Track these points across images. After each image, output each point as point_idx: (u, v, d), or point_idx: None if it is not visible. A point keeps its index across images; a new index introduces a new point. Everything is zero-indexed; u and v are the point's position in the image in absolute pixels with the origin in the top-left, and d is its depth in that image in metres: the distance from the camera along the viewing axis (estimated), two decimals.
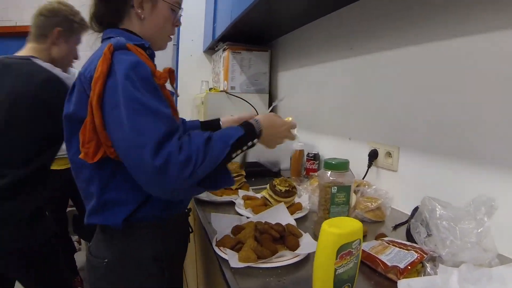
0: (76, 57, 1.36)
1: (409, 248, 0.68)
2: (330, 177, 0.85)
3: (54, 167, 1.36)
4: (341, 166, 0.86)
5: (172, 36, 0.95)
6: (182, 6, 0.93)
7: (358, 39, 1.33)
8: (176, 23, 0.93)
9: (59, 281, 1.28)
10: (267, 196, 1.07)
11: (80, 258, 2.15)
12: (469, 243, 0.57)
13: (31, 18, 1.26)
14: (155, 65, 0.80)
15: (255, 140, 0.79)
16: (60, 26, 1.25)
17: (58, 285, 1.27)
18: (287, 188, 1.05)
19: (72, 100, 0.77)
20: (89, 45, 0.91)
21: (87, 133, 0.71)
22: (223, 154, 0.71)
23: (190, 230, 1.00)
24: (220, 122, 1.19)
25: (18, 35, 3.14)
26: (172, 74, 0.84)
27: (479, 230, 0.58)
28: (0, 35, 3.02)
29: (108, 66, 0.69)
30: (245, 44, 2.12)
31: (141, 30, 0.85)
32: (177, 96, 0.88)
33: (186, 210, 0.97)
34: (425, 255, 0.63)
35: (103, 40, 0.84)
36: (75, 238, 2.37)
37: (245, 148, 0.77)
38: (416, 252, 0.65)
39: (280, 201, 1.03)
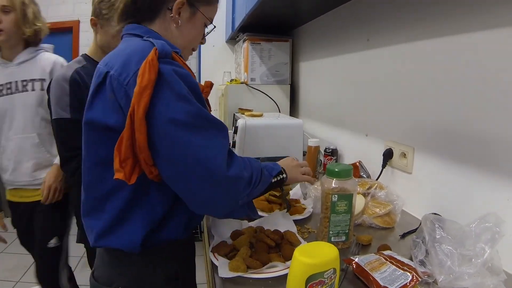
0: None
1: (405, 268, 0.64)
2: (333, 184, 0.82)
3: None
4: (344, 173, 0.82)
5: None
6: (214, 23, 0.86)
7: (375, 29, 1.24)
8: (202, 40, 0.87)
9: None
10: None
11: None
12: (466, 274, 0.52)
13: None
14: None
15: (284, 175, 0.84)
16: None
17: None
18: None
19: (96, 106, 0.68)
20: None
21: (123, 149, 0.62)
22: (269, 181, 0.78)
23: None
24: None
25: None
26: (210, 89, 0.84)
27: (479, 260, 0.52)
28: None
29: (156, 75, 0.60)
30: (265, 34, 2.06)
31: (172, 36, 0.76)
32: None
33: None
34: (419, 279, 0.59)
35: (124, 35, 0.76)
36: None
37: (279, 178, 0.82)
38: (411, 273, 0.61)
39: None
